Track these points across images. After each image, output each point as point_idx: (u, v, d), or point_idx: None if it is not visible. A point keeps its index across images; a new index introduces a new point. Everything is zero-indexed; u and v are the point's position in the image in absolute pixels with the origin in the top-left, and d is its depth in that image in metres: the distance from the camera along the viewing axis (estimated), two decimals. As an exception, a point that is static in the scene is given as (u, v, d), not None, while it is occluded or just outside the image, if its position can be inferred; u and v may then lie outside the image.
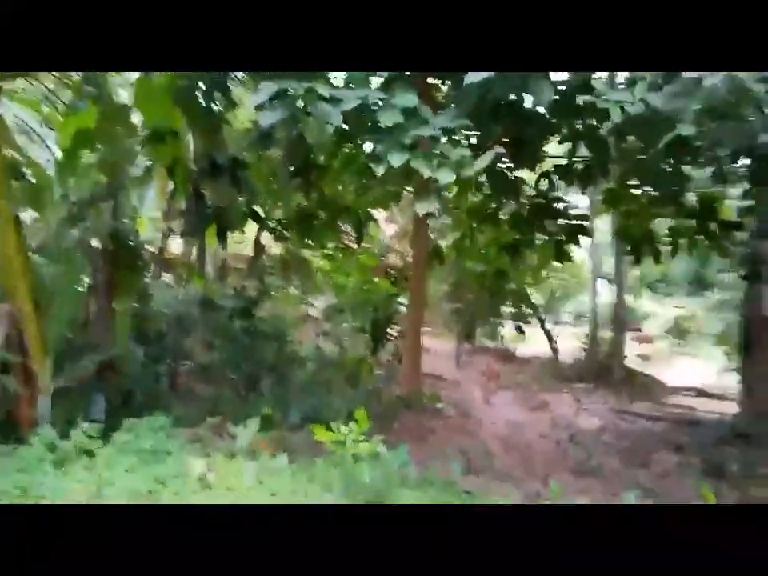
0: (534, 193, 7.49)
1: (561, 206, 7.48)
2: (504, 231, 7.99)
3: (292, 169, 7.21)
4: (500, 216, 7.89)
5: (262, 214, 10.97)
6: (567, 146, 6.51)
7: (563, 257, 7.41)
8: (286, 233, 9.71)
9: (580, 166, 6.75)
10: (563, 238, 7.36)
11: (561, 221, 7.42)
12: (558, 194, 7.51)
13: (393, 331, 9.31)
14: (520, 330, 11.48)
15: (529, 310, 11.93)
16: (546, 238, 7.51)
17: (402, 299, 10.21)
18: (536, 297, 13.28)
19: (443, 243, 9.20)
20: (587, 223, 7.53)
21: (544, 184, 7.28)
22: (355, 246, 11.20)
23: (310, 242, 10.03)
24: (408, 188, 8.56)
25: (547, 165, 7.10)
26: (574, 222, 7.29)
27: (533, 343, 12.67)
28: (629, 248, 7.17)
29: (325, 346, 8.98)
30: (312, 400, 4.96)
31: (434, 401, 6.65)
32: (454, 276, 11.76)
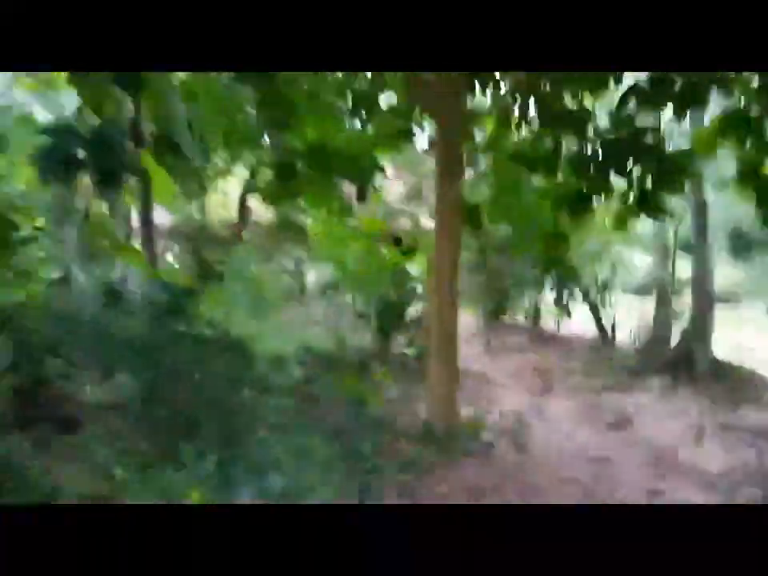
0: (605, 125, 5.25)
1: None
2: (563, 180, 5.75)
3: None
4: (558, 159, 5.61)
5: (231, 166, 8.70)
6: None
7: (655, 210, 5.18)
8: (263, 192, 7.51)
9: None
10: (654, 184, 5.14)
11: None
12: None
13: (409, 317, 7.14)
14: (565, 309, 9.25)
15: (572, 281, 9.69)
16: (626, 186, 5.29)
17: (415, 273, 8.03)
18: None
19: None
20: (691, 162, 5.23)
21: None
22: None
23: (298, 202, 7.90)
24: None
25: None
26: (673, 160, 5.03)
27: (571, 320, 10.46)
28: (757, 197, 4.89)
29: (316, 337, 6.86)
30: (280, 464, 2.83)
31: (476, 430, 4.51)
32: (483, 240, 9.53)
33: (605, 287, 9.84)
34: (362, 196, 7.09)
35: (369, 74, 5.55)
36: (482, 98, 5.78)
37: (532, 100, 5.53)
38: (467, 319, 11.76)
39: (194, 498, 2.59)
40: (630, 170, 5.28)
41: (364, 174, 6.47)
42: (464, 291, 13.66)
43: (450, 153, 4.89)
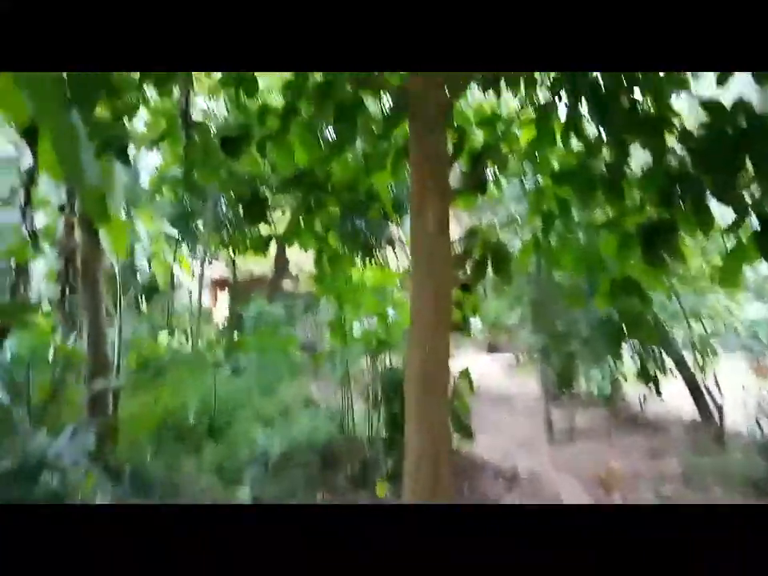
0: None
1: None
2: (634, 207, 3.90)
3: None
4: (624, 177, 3.78)
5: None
6: None
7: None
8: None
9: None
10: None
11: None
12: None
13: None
14: (653, 381, 7.06)
15: (658, 345, 7.47)
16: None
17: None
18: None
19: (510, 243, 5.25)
20: None
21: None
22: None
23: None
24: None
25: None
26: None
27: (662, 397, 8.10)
28: None
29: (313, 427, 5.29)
30: None
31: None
32: (537, 291, 7.66)
33: (706, 352, 7.55)
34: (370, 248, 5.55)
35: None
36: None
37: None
38: (530, 388, 9.70)
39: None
40: (741, 189, 3.39)
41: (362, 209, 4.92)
42: (525, 354, 11.54)
43: (431, 165, 3.20)
